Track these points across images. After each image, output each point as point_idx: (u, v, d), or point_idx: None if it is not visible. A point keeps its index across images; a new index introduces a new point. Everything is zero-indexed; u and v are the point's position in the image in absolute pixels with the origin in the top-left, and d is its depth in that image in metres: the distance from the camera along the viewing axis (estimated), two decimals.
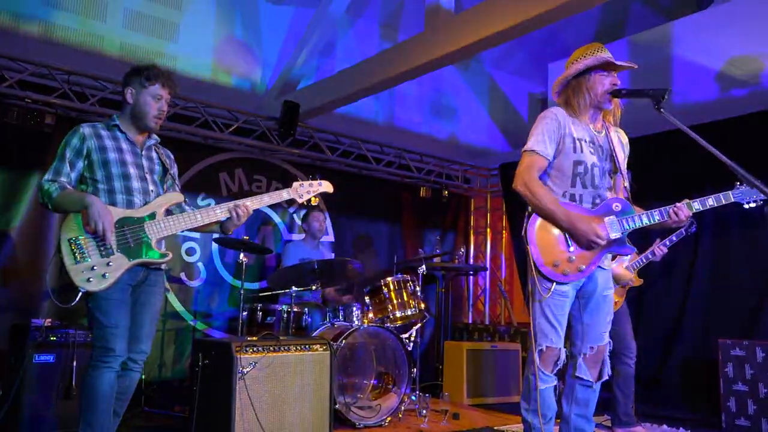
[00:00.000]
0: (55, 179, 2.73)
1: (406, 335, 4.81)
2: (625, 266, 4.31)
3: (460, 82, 8.01)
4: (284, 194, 3.07)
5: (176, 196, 2.94)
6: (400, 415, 4.49)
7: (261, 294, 5.27)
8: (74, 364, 3.88)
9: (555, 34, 7.53)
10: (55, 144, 4.64)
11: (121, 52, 5.57)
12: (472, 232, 7.89)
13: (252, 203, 2.96)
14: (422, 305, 4.80)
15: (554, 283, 2.70)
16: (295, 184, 3.11)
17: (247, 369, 3.39)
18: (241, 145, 5.95)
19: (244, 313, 4.57)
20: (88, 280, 2.60)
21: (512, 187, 2.79)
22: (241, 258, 4.49)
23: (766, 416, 4.27)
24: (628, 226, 2.76)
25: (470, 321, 7.62)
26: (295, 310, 4.58)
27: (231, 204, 2.92)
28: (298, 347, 3.67)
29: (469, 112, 8.09)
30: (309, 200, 3.11)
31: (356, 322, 4.58)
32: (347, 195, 6.40)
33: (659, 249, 4.33)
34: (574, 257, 2.70)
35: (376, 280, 4.86)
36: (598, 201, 2.81)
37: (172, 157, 3.12)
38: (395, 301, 4.68)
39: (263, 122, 5.96)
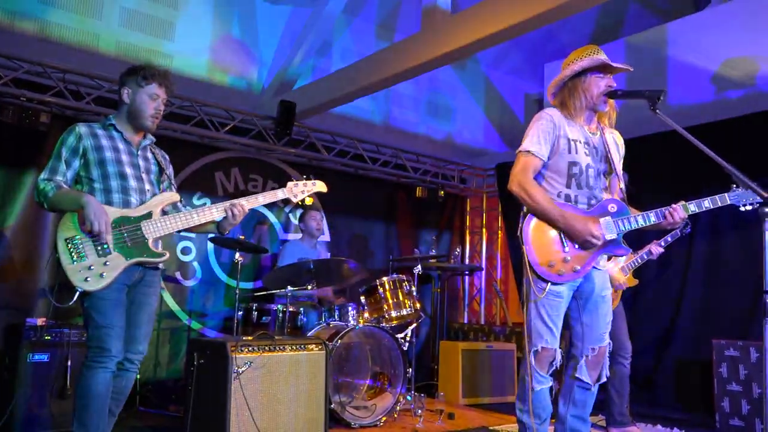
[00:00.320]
0: (51, 178, 2.72)
1: (402, 335, 4.81)
2: (620, 267, 4.32)
3: (457, 82, 8.02)
4: (279, 194, 3.07)
5: (172, 196, 2.94)
6: (396, 415, 4.49)
7: (256, 294, 5.27)
8: (69, 363, 3.88)
9: (552, 35, 7.54)
10: (51, 143, 4.66)
11: (117, 50, 5.56)
12: (467, 232, 7.89)
13: (247, 203, 2.95)
14: (418, 305, 4.80)
15: (549, 284, 2.71)
16: (290, 184, 3.11)
17: (243, 369, 3.39)
18: (237, 145, 5.94)
19: (240, 313, 4.57)
20: (85, 279, 2.60)
21: (507, 187, 2.80)
22: (236, 257, 4.49)
23: (760, 416, 4.29)
24: (624, 227, 2.77)
25: (466, 321, 7.63)
26: (291, 309, 4.58)
27: (227, 203, 2.92)
28: (294, 347, 3.67)
29: (466, 112, 8.09)
30: (303, 200, 3.11)
31: (352, 322, 4.58)
32: (343, 195, 6.39)
33: (656, 248, 4.34)
34: (569, 257, 2.71)
35: (372, 279, 4.86)
36: (593, 202, 2.82)
37: (167, 158, 3.12)
38: (391, 301, 4.68)
39: (259, 122, 5.96)
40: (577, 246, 2.72)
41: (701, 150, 2.53)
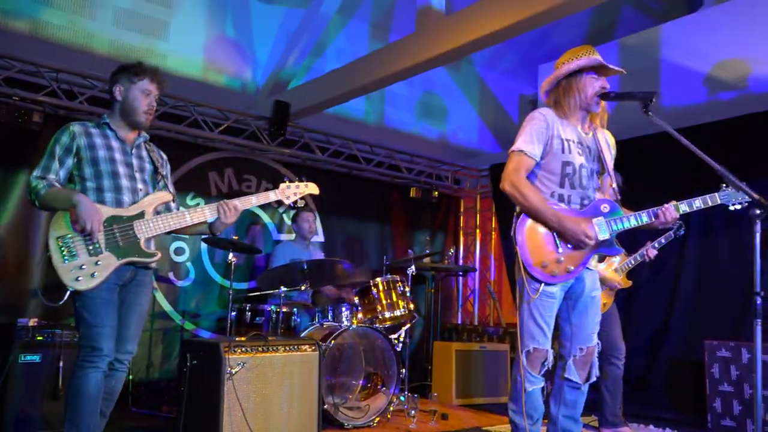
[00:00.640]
0: (43, 176, 2.71)
1: (395, 336, 4.81)
2: (614, 268, 4.34)
3: (451, 83, 8.03)
4: (271, 195, 3.08)
5: (165, 196, 2.93)
6: (389, 416, 4.49)
7: (250, 294, 5.26)
8: (60, 364, 3.86)
9: (546, 36, 7.56)
10: (43, 142, 4.61)
11: (110, 50, 5.54)
12: (461, 232, 7.90)
13: (240, 203, 2.95)
14: (411, 306, 4.80)
15: (542, 284, 2.71)
16: (282, 186, 3.11)
17: (236, 369, 3.39)
18: (230, 145, 5.93)
19: (233, 314, 4.55)
20: (77, 279, 2.59)
21: (500, 187, 2.80)
22: (230, 258, 4.48)
23: (751, 417, 4.31)
24: (617, 227, 2.78)
25: (459, 321, 7.64)
26: (284, 310, 4.58)
27: (220, 204, 2.91)
28: (287, 348, 3.67)
29: (460, 113, 8.10)
30: (295, 202, 3.11)
31: (345, 323, 4.58)
32: (337, 195, 6.39)
33: (651, 250, 4.36)
34: (562, 258, 2.71)
35: (366, 280, 4.86)
36: (586, 202, 2.83)
37: (164, 157, 3.10)
38: (384, 302, 4.68)
39: (253, 122, 5.95)
40: (570, 246, 2.72)
41: (693, 151, 2.54)
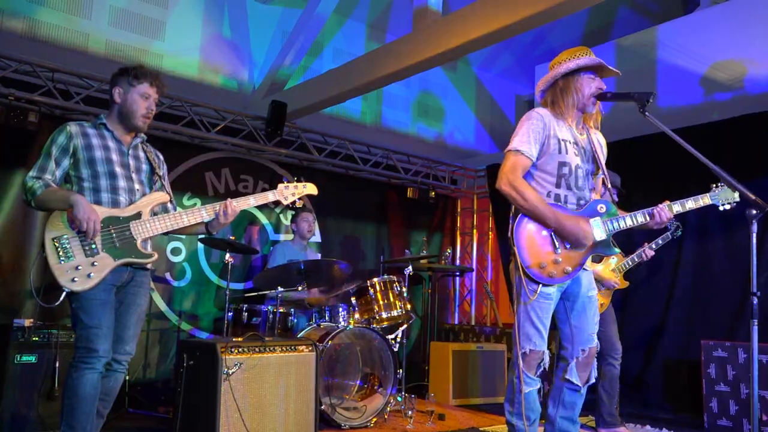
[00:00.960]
0: (39, 176, 2.70)
1: (392, 336, 4.81)
2: (611, 269, 4.34)
3: (448, 83, 8.04)
4: (270, 196, 3.08)
5: (162, 196, 2.92)
6: (386, 416, 4.49)
7: (247, 294, 5.26)
8: (57, 364, 3.85)
9: (542, 37, 7.57)
10: (39, 142, 4.64)
11: (106, 50, 5.53)
12: (458, 233, 7.90)
13: (238, 204, 2.95)
14: (408, 306, 4.80)
15: (540, 285, 2.70)
16: (281, 186, 3.11)
17: (232, 370, 3.38)
18: (227, 145, 5.92)
19: (230, 314, 4.55)
20: (72, 279, 2.58)
21: (496, 186, 2.77)
22: (226, 258, 4.47)
23: (748, 417, 4.32)
24: (613, 227, 2.78)
25: (456, 322, 7.64)
26: (281, 310, 4.57)
27: (218, 204, 2.91)
28: (284, 348, 3.66)
29: (457, 114, 8.12)
30: (294, 202, 3.11)
31: (342, 323, 4.57)
32: (334, 195, 6.39)
33: (647, 251, 4.37)
34: (560, 259, 2.70)
35: (363, 280, 4.85)
36: (582, 202, 2.83)
37: (161, 157, 3.10)
38: (381, 302, 4.67)
39: (250, 122, 5.94)
40: (568, 247, 2.72)
41: (690, 152, 2.55)
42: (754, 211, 2.39)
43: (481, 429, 4.46)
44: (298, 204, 3.15)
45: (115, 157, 2.83)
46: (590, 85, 2.81)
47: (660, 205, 2.80)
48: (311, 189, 3.18)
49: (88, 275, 2.61)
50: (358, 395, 4.66)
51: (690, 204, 2.81)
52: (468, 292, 7.83)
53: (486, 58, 8.12)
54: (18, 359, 3.77)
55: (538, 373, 2.75)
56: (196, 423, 3.41)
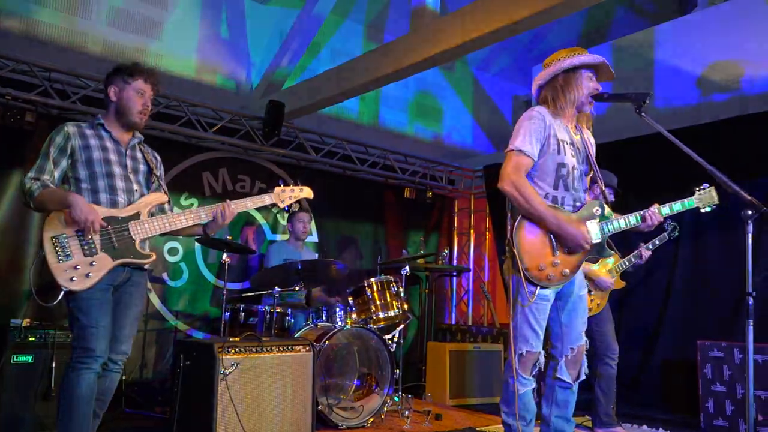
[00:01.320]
0: (38, 177, 2.69)
1: (389, 336, 4.80)
2: (608, 270, 4.35)
3: (445, 83, 8.04)
4: (266, 199, 3.10)
5: (160, 197, 2.92)
6: (383, 416, 4.49)
7: (244, 294, 5.26)
8: (53, 364, 3.84)
9: (540, 38, 7.59)
10: (36, 142, 4.63)
11: (104, 49, 5.52)
12: (455, 233, 7.91)
13: (235, 206, 2.96)
14: (405, 306, 4.80)
15: (538, 288, 2.70)
16: (277, 189, 3.12)
17: (229, 370, 3.38)
18: (225, 145, 5.92)
19: (227, 314, 4.54)
20: (71, 279, 2.58)
21: (498, 186, 2.73)
22: (224, 258, 4.47)
23: (744, 417, 4.33)
24: (608, 229, 2.79)
25: (453, 322, 7.64)
26: (278, 310, 4.57)
27: (215, 206, 2.91)
28: (281, 348, 3.66)
29: (454, 114, 8.12)
30: (290, 205, 3.13)
31: (339, 323, 4.57)
32: (331, 195, 6.39)
33: (644, 252, 4.37)
34: (558, 261, 2.70)
35: (360, 280, 4.85)
36: (578, 204, 2.83)
37: (158, 158, 3.10)
38: (378, 302, 4.67)
39: (248, 122, 5.94)
40: (566, 250, 2.72)
41: (686, 152, 2.56)
42: (750, 212, 2.39)
43: (478, 429, 4.47)
44: (295, 207, 3.18)
45: (113, 157, 2.83)
46: (588, 85, 2.81)
47: (651, 209, 2.83)
48: (307, 192, 3.21)
49: (87, 275, 2.61)
50: (355, 395, 4.66)
51: (677, 207, 2.86)
52: (465, 293, 7.83)
53: (484, 58, 8.13)
54: (14, 359, 3.77)
55: (533, 374, 2.76)
56: (193, 423, 3.41)
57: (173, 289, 5.54)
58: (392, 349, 4.64)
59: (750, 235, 2.40)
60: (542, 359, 2.77)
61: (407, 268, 5.14)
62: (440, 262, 6.78)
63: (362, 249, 6.85)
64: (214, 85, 6.16)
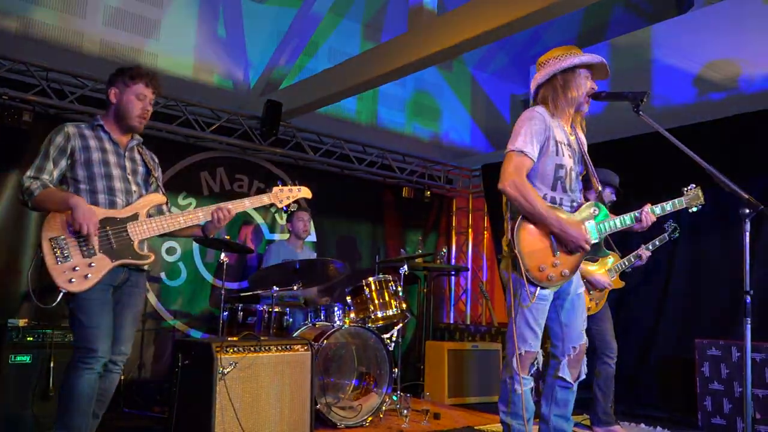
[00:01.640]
0: (37, 176, 2.69)
1: (388, 335, 4.81)
2: (607, 269, 4.35)
3: (443, 83, 8.04)
4: (265, 199, 3.11)
5: (158, 198, 2.93)
6: (381, 416, 4.49)
7: (242, 294, 5.26)
8: (51, 364, 3.84)
9: (537, 37, 7.59)
10: (33, 142, 4.62)
11: (101, 49, 5.51)
12: (453, 232, 7.91)
13: (234, 207, 2.95)
14: (404, 305, 4.80)
15: (538, 288, 2.70)
16: (276, 189, 3.12)
17: (228, 369, 3.38)
18: (222, 144, 5.91)
19: (225, 313, 4.54)
20: (70, 280, 2.58)
21: (499, 186, 2.71)
22: (222, 258, 4.47)
23: (741, 415, 4.33)
24: (604, 229, 2.80)
25: (451, 321, 7.65)
26: (276, 310, 4.57)
27: (213, 207, 2.91)
28: (279, 347, 3.66)
29: (452, 113, 8.12)
30: (288, 205, 3.13)
31: (337, 323, 4.58)
32: (329, 195, 6.38)
33: (644, 252, 4.38)
34: (558, 262, 2.70)
35: (358, 280, 4.86)
36: (575, 205, 2.83)
37: (156, 159, 3.10)
38: (377, 301, 4.67)
39: (245, 121, 5.93)
40: (566, 250, 2.72)
41: (684, 151, 2.56)
42: (748, 210, 2.39)
43: (476, 428, 4.47)
44: (293, 207, 3.18)
45: (112, 159, 2.83)
46: (585, 85, 2.81)
47: (644, 209, 2.85)
48: (305, 192, 3.21)
49: (86, 276, 2.61)
50: (354, 394, 4.66)
51: (668, 207, 2.90)
52: (463, 292, 7.84)
53: (481, 57, 8.13)
54: (12, 359, 3.77)
55: (532, 373, 2.76)
56: (192, 422, 3.41)
57: (171, 289, 5.54)
58: (391, 349, 4.64)
59: (747, 234, 2.40)
60: (540, 358, 2.77)
61: (405, 267, 5.14)
62: (438, 261, 6.79)
63: (360, 248, 6.85)
64: (212, 85, 6.16)
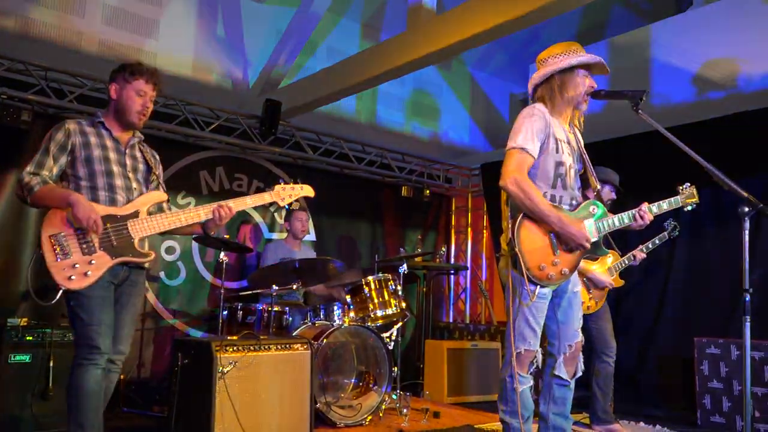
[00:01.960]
0: (37, 172, 2.68)
1: (387, 334, 4.81)
2: (606, 268, 4.35)
3: (442, 82, 8.04)
4: (266, 197, 3.08)
5: (159, 195, 2.91)
6: (381, 414, 4.49)
7: (241, 293, 5.26)
8: (51, 364, 3.84)
9: (536, 35, 7.58)
10: (32, 141, 4.62)
11: (100, 48, 5.51)
12: (453, 231, 7.91)
13: (235, 204, 2.94)
14: (403, 304, 4.80)
15: (538, 287, 2.69)
16: (277, 188, 3.10)
17: (227, 368, 3.38)
18: (221, 144, 5.91)
19: (224, 313, 4.54)
20: (69, 278, 2.56)
21: (500, 183, 2.70)
22: (221, 257, 4.46)
23: (741, 413, 4.34)
24: (604, 228, 2.80)
25: (451, 320, 7.65)
26: (276, 309, 4.57)
27: (214, 205, 2.89)
28: (279, 346, 3.66)
29: (451, 112, 8.12)
30: (290, 204, 3.11)
31: (337, 321, 4.58)
32: (329, 194, 6.37)
33: (638, 254, 4.38)
34: (558, 261, 2.70)
35: (358, 279, 4.86)
36: (574, 203, 2.83)
37: (157, 157, 3.09)
38: (376, 300, 4.68)
39: (244, 120, 5.93)
40: (566, 249, 2.72)
41: (683, 150, 2.56)
42: (747, 209, 2.39)
43: (475, 426, 4.47)
44: (295, 206, 3.16)
45: (112, 155, 2.82)
46: (584, 83, 2.80)
47: (641, 207, 2.84)
48: (308, 191, 3.18)
49: (85, 273, 2.60)
50: (353, 393, 4.66)
51: (665, 206, 2.89)
52: (462, 291, 7.84)
53: (480, 56, 8.13)
54: (11, 359, 3.76)
55: (531, 371, 2.76)
56: (191, 422, 3.41)
57: (170, 288, 5.54)
58: (390, 347, 4.64)
59: (747, 232, 2.40)
60: (540, 357, 2.78)
61: (405, 266, 5.14)
62: (438, 260, 6.79)
63: (360, 247, 6.86)
64: (211, 84, 6.15)
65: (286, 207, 3.11)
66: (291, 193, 3.11)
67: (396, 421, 4.46)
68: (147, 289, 5.30)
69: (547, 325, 2.85)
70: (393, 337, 4.88)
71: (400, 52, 4.87)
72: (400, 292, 4.85)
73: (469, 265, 7.77)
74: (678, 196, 2.92)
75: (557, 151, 2.77)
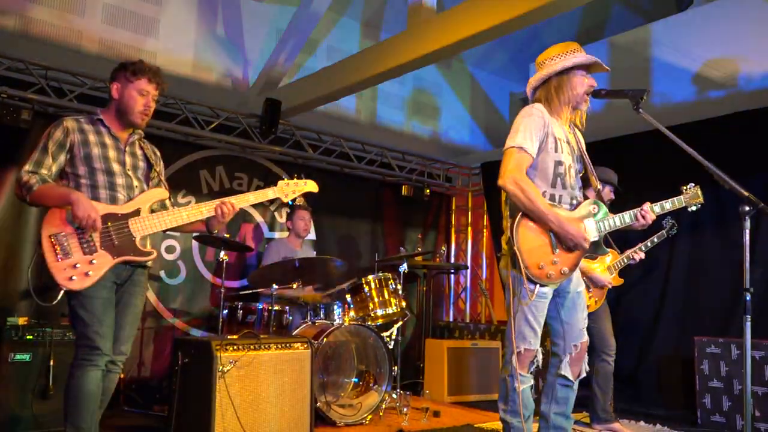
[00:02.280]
0: (35, 171, 2.66)
1: (387, 333, 4.81)
2: (606, 267, 4.35)
3: (442, 81, 8.03)
4: (270, 193, 3.04)
5: (161, 193, 2.89)
6: (381, 414, 4.50)
7: (242, 292, 5.26)
8: (51, 363, 3.83)
9: (536, 35, 7.58)
10: (32, 140, 4.62)
11: (100, 47, 5.50)
12: (453, 230, 7.91)
13: (237, 201, 2.91)
14: (403, 303, 4.80)
15: (538, 286, 2.69)
16: (281, 183, 3.06)
17: (227, 368, 3.38)
18: (221, 143, 5.91)
19: (225, 312, 4.54)
20: (70, 278, 2.55)
21: (498, 183, 2.70)
22: (221, 256, 4.47)
23: (741, 412, 4.34)
24: (604, 228, 2.80)
25: (451, 319, 7.65)
26: (276, 308, 4.57)
27: (217, 201, 2.86)
28: (279, 346, 3.66)
29: (451, 111, 8.11)
30: (294, 199, 3.09)
31: (337, 321, 4.58)
32: (329, 193, 6.35)
33: (642, 250, 4.38)
34: (557, 260, 2.70)
35: (358, 278, 4.85)
36: (574, 202, 2.82)
37: (158, 153, 3.06)
38: (376, 300, 4.68)
39: (245, 119, 5.93)
40: (565, 248, 2.72)
41: (683, 149, 2.56)
42: (747, 208, 2.39)
43: (476, 425, 4.48)
44: (299, 201, 3.13)
45: (112, 153, 2.80)
46: (582, 83, 2.80)
47: (644, 207, 2.85)
48: (312, 186, 3.15)
49: (87, 273, 2.58)
50: (354, 392, 4.66)
51: (668, 206, 2.89)
52: (463, 290, 7.84)
53: (480, 56, 8.12)
54: (12, 358, 3.76)
55: (531, 371, 2.76)
56: (192, 421, 3.41)
57: (171, 287, 5.54)
58: (390, 347, 4.65)
59: (747, 231, 2.40)
60: (540, 356, 2.77)
61: (405, 265, 5.14)
62: (438, 259, 6.79)
63: (360, 246, 6.85)
64: (211, 83, 6.14)
65: (290, 203, 3.09)
66: (295, 188, 3.09)
67: (396, 420, 4.46)
68: (147, 288, 5.30)
69: (551, 324, 2.85)
70: (393, 337, 4.88)
71: (400, 51, 4.86)
72: (400, 292, 4.85)
73: (469, 264, 7.77)
74: (681, 196, 2.91)
75: (556, 150, 2.77)
